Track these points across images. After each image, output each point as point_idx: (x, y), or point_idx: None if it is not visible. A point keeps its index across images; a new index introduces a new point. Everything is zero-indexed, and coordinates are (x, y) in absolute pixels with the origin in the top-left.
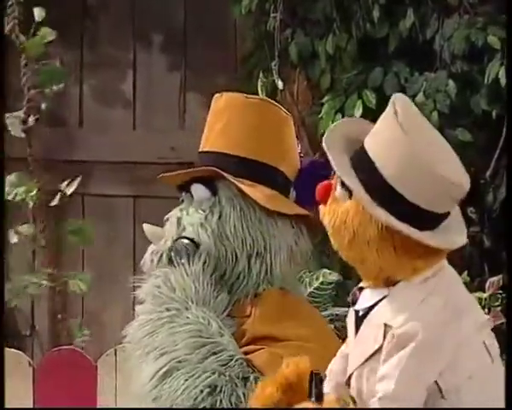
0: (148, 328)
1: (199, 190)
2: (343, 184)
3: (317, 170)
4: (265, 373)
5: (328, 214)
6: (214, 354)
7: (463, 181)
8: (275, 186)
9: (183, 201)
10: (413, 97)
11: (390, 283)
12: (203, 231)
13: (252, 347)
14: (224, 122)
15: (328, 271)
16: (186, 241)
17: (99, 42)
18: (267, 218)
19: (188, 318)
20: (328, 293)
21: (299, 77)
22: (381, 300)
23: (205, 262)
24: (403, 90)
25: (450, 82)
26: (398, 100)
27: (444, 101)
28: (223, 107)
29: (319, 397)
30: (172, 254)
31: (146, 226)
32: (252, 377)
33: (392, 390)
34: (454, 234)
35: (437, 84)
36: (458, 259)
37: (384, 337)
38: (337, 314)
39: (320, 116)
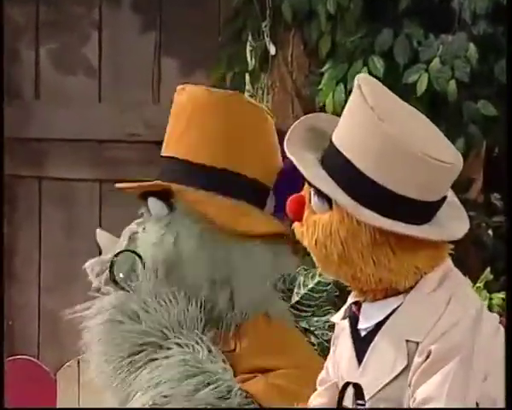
0: (122, 374)
1: (155, 205)
2: (319, 194)
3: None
4: (262, 403)
5: (306, 232)
6: (208, 384)
7: (454, 158)
8: (245, 196)
9: (142, 214)
10: (427, 63)
11: (392, 292)
12: (157, 252)
13: (245, 376)
14: (185, 123)
15: None
16: (129, 254)
17: None
18: (233, 239)
19: (169, 348)
20: (326, 296)
21: (293, 40)
22: (390, 314)
23: (156, 277)
24: (415, 56)
25: (471, 46)
26: (364, 81)
27: (463, 68)
28: (185, 103)
29: None
30: (114, 269)
31: (99, 232)
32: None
33: None
34: (454, 222)
35: (455, 48)
36: (480, 253)
37: (408, 355)
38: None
39: (319, 87)
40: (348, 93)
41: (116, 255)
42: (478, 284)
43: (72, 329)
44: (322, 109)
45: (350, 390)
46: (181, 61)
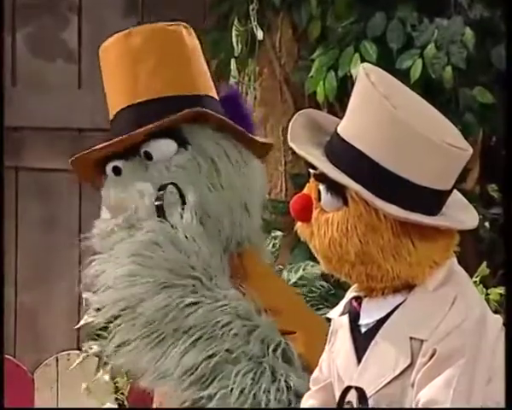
0: (170, 301)
1: (164, 146)
2: (332, 190)
3: (233, 100)
4: (307, 362)
5: (317, 232)
6: (262, 341)
7: (466, 144)
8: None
9: (118, 171)
10: (422, 49)
11: (403, 288)
12: (197, 191)
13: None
14: (153, 61)
15: (312, 263)
16: (174, 189)
17: None
18: (248, 158)
19: (217, 292)
20: (307, 290)
21: (282, 25)
22: (392, 310)
23: (197, 218)
24: (409, 41)
25: (468, 30)
26: (372, 70)
27: (459, 53)
28: (141, 43)
29: None
30: (163, 203)
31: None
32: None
33: None
34: (461, 212)
35: (451, 33)
36: (476, 247)
37: (412, 353)
38: None
39: (310, 75)
40: (339, 80)
41: (160, 189)
42: (474, 279)
43: (51, 328)
44: (312, 97)
45: (351, 394)
46: None
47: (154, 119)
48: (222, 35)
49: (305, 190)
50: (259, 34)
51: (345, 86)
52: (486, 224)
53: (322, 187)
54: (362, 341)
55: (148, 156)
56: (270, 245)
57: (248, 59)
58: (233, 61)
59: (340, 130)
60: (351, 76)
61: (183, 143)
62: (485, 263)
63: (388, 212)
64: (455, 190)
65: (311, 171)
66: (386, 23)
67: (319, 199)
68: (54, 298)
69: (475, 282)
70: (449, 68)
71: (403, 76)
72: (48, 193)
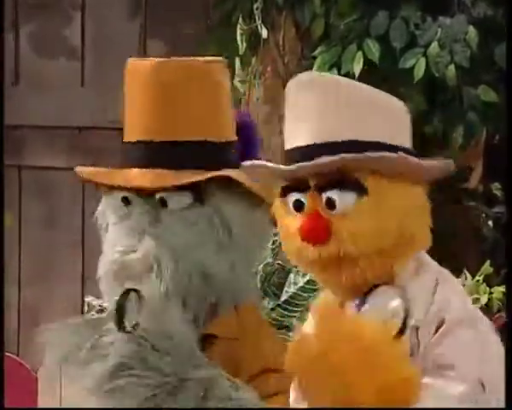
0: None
1: (181, 197)
2: (345, 185)
3: (247, 129)
4: None
5: (350, 237)
6: None
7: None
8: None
9: (127, 201)
10: (425, 48)
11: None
12: (209, 254)
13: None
14: (184, 101)
15: None
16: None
17: None
18: (262, 216)
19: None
20: (315, 294)
21: (285, 23)
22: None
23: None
24: (413, 40)
25: (471, 29)
26: (297, 79)
27: (463, 52)
28: (175, 79)
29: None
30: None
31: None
32: None
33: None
34: None
35: (454, 31)
36: (479, 245)
37: (410, 341)
38: None
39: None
40: None
41: (122, 296)
42: (477, 278)
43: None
44: None
45: None
46: (167, 44)
47: (176, 164)
48: (225, 33)
49: (310, 211)
50: (264, 33)
51: None
52: (490, 222)
53: (331, 193)
54: None
55: (164, 203)
56: (270, 242)
57: (252, 57)
58: (237, 60)
59: (298, 143)
60: (353, 74)
61: (199, 197)
62: (488, 262)
63: (420, 163)
64: None
65: (297, 197)
66: (389, 21)
67: (329, 209)
68: (57, 296)
69: (478, 280)
70: (452, 67)
71: (406, 75)
72: (49, 191)
